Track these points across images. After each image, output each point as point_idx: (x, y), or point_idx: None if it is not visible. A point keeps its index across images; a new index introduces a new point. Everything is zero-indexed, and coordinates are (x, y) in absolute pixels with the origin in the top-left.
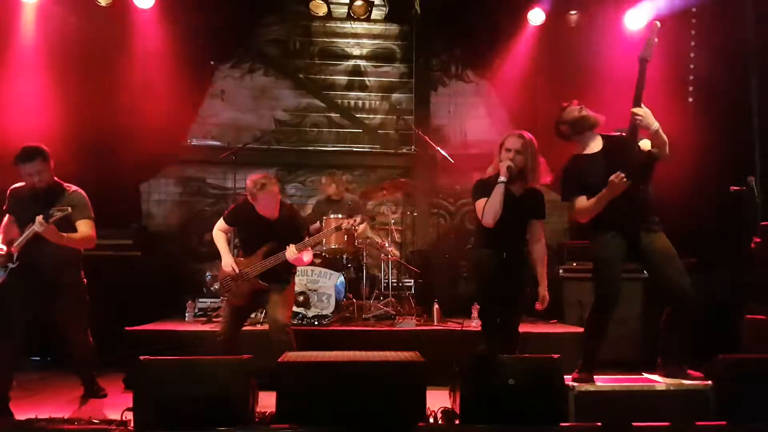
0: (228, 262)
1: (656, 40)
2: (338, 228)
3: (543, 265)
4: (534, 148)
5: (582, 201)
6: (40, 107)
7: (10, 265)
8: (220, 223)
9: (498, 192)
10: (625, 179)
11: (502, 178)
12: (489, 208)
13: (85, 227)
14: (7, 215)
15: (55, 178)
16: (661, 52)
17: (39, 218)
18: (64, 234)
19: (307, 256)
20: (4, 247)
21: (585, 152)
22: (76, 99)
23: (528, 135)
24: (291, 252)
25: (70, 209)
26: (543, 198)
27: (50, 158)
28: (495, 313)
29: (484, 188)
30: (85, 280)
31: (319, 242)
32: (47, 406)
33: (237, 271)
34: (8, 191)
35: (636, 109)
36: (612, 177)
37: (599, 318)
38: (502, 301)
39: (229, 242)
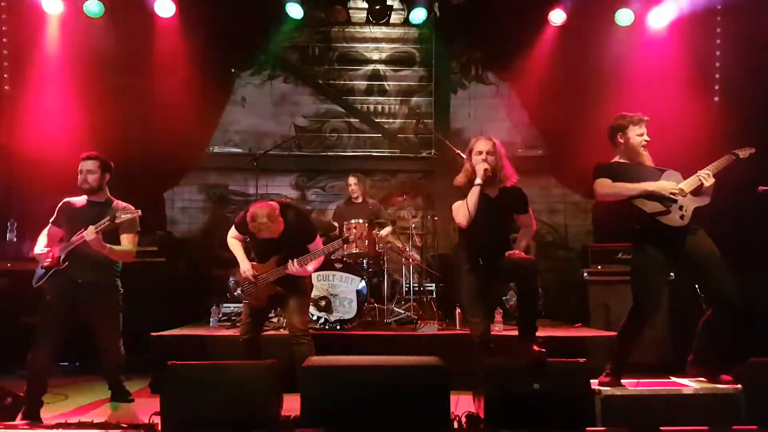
0: (245, 268)
1: None
2: (346, 240)
3: (523, 237)
4: (501, 151)
5: (605, 180)
6: (64, 118)
7: (60, 265)
8: (233, 231)
9: (474, 194)
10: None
11: (478, 180)
12: (462, 209)
13: (127, 242)
14: (51, 225)
15: (108, 194)
16: (686, 50)
17: (91, 228)
18: (107, 245)
19: (311, 266)
20: (47, 250)
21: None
22: (99, 109)
23: (494, 137)
24: (292, 267)
25: (115, 221)
26: (522, 193)
27: (107, 170)
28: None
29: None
30: (121, 289)
31: (324, 255)
32: (76, 410)
33: (254, 277)
34: (60, 205)
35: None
36: (671, 188)
37: (634, 326)
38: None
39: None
